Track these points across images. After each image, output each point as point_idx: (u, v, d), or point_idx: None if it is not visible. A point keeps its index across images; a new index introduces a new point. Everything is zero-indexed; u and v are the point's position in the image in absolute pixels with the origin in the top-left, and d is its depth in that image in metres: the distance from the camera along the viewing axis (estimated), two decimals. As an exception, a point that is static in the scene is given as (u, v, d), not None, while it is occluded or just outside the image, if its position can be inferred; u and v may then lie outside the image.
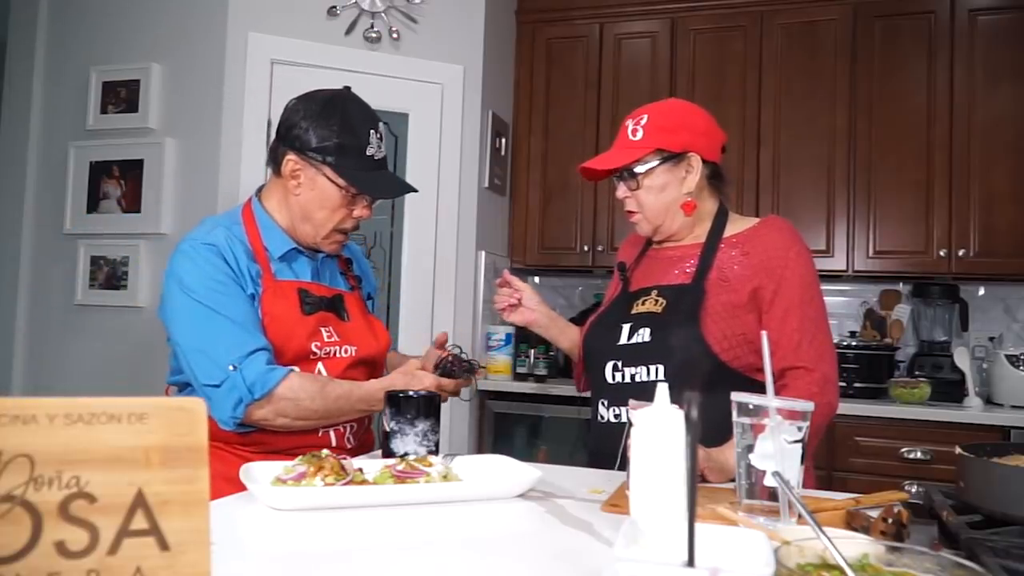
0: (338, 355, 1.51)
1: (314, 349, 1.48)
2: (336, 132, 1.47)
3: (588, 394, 1.66)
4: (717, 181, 1.60)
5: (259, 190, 1.60)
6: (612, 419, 1.51)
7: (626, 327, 1.52)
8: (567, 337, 1.76)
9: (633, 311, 1.54)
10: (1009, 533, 0.94)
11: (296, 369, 1.41)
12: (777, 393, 1.44)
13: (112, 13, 3.04)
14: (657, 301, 1.52)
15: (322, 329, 1.50)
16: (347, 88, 1.57)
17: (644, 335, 1.49)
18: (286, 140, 1.50)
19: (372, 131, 1.51)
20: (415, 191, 1.69)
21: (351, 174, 1.48)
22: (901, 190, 3.12)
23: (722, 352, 1.44)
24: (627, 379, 1.49)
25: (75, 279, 2.99)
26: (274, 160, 1.53)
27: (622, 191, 1.56)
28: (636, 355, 1.48)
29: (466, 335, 3.22)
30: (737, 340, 1.45)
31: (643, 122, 1.52)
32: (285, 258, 1.52)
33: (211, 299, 1.38)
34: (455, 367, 1.54)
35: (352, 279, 1.67)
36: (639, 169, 1.52)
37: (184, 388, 1.48)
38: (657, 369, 1.45)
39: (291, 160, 1.49)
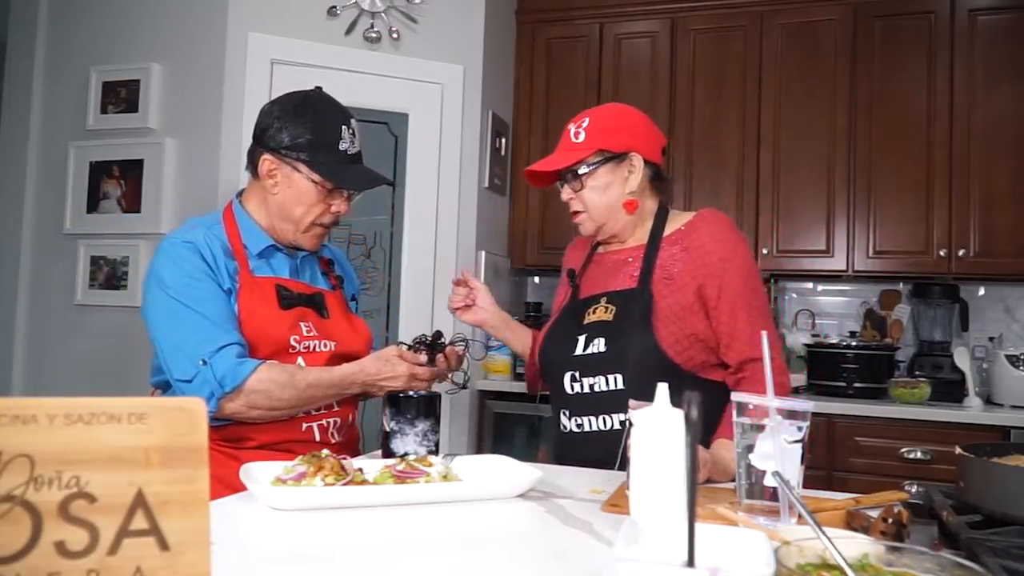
0: (317, 349, 1.52)
1: (293, 343, 1.49)
2: (309, 129, 1.49)
3: (543, 394, 1.69)
4: (658, 182, 1.62)
5: (239, 193, 1.62)
6: (575, 429, 1.52)
7: (581, 338, 1.53)
8: (518, 339, 1.78)
9: (585, 321, 1.55)
10: (1009, 533, 0.94)
11: (265, 362, 1.41)
12: (738, 384, 1.47)
13: (112, 13, 3.04)
14: (607, 308, 1.54)
15: (301, 324, 1.51)
16: (318, 88, 1.59)
17: (599, 345, 1.50)
18: (261, 141, 1.53)
19: (344, 127, 1.53)
20: (391, 184, 1.70)
21: (326, 169, 1.50)
22: (901, 190, 3.12)
23: (676, 355, 1.46)
24: (586, 389, 1.51)
25: (75, 279, 2.99)
26: (251, 162, 1.55)
27: (567, 193, 1.59)
28: (593, 365, 1.50)
29: (466, 335, 3.22)
30: (689, 341, 1.47)
31: (584, 125, 1.55)
32: (263, 255, 1.54)
33: (185, 295, 1.40)
34: (423, 346, 1.51)
35: (334, 279, 1.69)
36: (582, 170, 1.55)
37: (168, 389, 1.48)
38: (616, 379, 1.47)
39: (267, 160, 1.51)
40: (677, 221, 1.58)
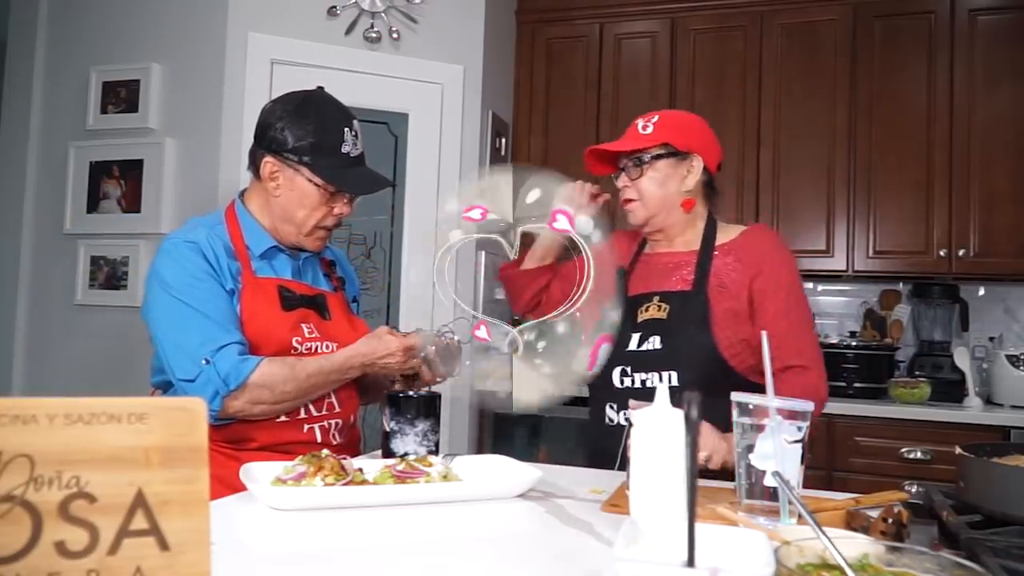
0: (319, 351, 1.52)
1: (295, 344, 1.49)
2: (311, 132, 1.49)
3: (522, 315, 1.78)
4: (711, 191, 1.68)
5: (241, 193, 1.61)
6: (623, 422, 1.55)
7: (635, 335, 1.57)
8: (543, 267, 1.79)
9: (639, 319, 1.59)
10: (1009, 533, 0.94)
11: (266, 358, 1.41)
12: (778, 392, 1.48)
13: (112, 13, 3.04)
14: (660, 307, 1.58)
15: (303, 325, 1.51)
16: (320, 88, 1.59)
17: (655, 342, 1.54)
18: (263, 143, 1.52)
19: (347, 129, 1.52)
20: (393, 186, 1.70)
21: (328, 172, 1.50)
22: (901, 190, 3.12)
23: (730, 357, 1.50)
24: (637, 384, 1.54)
25: (75, 279, 2.98)
26: (253, 163, 1.54)
27: (623, 180, 1.64)
28: (647, 361, 1.54)
29: (466, 336, 3.22)
30: (741, 345, 1.52)
31: (653, 120, 1.62)
32: (266, 256, 1.54)
33: (187, 295, 1.40)
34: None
35: (335, 280, 1.69)
36: (645, 158, 1.60)
37: (168, 389, 1.48)
38: (670, 376, 1.51)
39: (269, 162, 1.51)
40: (728, 233, 1.64)
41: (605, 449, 1.57)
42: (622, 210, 1.68)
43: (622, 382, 1.56)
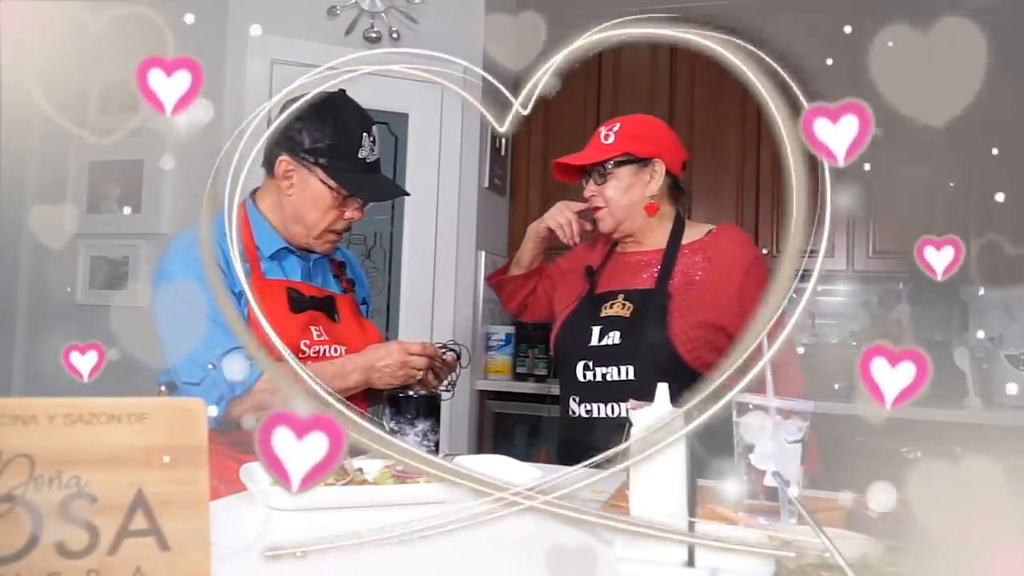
0: (328, 354, 1.51)
1: (303, 347, 1.48)
2: (329, 134, 1.48)
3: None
4: (677, 192, 1.74)
5: (253, 192, 1.60)
6: (583, 414, 1.61)
7: (596, 329, 1.62)
8: (525, 267, 1.90)
9: (602, 314, 1.64)
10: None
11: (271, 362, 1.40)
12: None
13: (112, 13, 3.04)
14: (624, 305, 1.63)
15: (312, 328, 1.50)
16: (341, 90, 1.57)
17: (614, 338, 1.59)
18: (279, 141, 1.50)
19: (365, 134, 1.51)
20: (406, 194, 1.71)
21: (343, 176, 1.49)
22: (901, 190, 3.12)
23: (686, 353, 1.54)
24: (598, 378, 1.59)
25: (75, 279, 2.98)
26: (268, 161, 1.53)
27: (590, 189, 1.70)
28: (607, 356, 1.59)
29: (466, 335, 3.22)
30: (699, 343, 1.55)
31: (615, 129, 1.69)
32: (275, 257, 1.53)
33: (194, 296, 1.39)
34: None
35: (345, 282, 1.68)
36: (607, 167, 1.66)
37: (176, 389, 1.48)
38: (628, 369, 1.56)
39: (284, 161, 1.50)
40: (695, 231, 1.69)
41: (570, 439, 1.64)
42: (592, 217, 1.74)
43: (584, 376, 1.61)
